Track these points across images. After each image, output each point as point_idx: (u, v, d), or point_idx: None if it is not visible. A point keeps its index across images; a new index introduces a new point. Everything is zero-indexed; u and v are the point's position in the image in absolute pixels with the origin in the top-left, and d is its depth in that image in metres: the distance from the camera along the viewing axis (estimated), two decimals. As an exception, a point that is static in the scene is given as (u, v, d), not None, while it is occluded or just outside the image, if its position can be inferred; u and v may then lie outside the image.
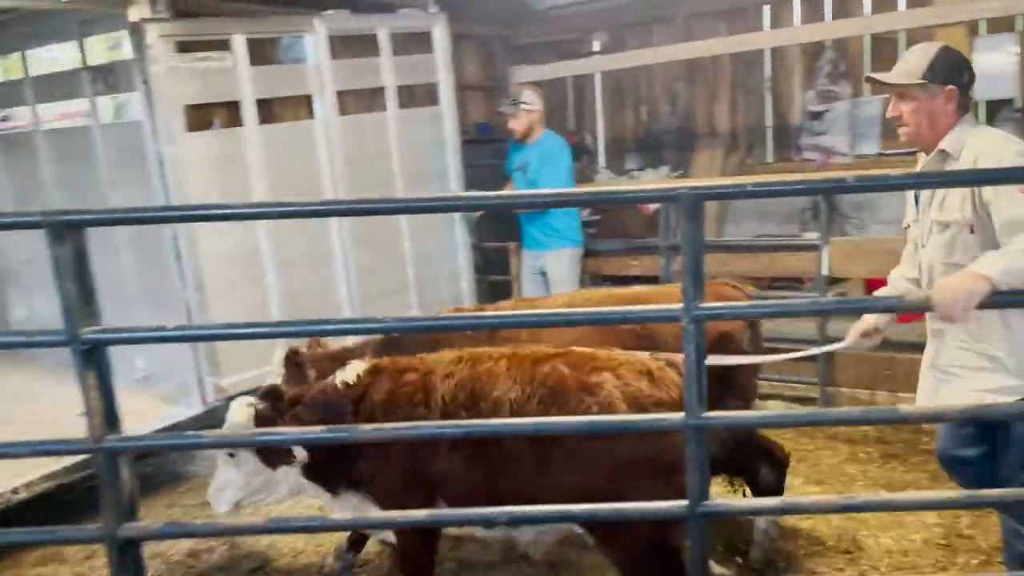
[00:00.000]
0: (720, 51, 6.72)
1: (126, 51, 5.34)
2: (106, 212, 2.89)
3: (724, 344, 3.45)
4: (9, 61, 6.74)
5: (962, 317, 2.19)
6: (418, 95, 6.14)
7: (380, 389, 3.06)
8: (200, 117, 5.21)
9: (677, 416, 2.09)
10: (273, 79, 5.28)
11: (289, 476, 3.15)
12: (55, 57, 6.95)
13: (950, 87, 2.75)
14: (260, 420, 3.06)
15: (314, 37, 5.31)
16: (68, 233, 2.09)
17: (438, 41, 5.96)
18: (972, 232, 2.68)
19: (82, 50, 5.41)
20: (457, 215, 6.11)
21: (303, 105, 5.55)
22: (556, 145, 5.73)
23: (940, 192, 2.79)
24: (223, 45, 4.95)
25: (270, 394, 3.09)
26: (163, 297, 5.01)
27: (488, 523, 2.79)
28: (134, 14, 4.65)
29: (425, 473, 3.00)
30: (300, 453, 3.12)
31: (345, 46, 5.61)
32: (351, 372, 3.12)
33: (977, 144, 2.71)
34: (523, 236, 5.94)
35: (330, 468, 3.13)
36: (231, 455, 3.19)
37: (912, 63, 2.81)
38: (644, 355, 3.01)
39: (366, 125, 5.68)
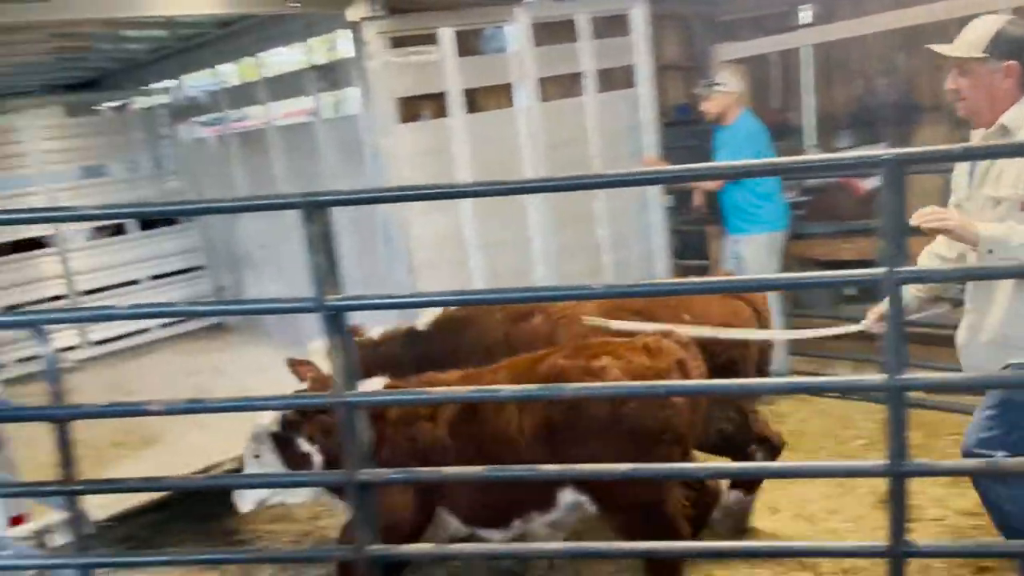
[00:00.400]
0: (945, 16, 6.15)
1: (342, 50, 5.75)
2: (350, 193, 3.35)
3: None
4: (243, 65, 7.45)
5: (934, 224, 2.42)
6: (616, 78, 6.11)
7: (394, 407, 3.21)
8: (410, 109, 5.51)
9: (879, 377, 2.14)
10: (478, 69, 5.47)
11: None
12: (281, 59, 7.58)
13: (1012, 63, 2.66)
14: (287, 424, 3.30)
15: (516, 26, 5.43)
16: (318, 212, 2.41)
17: (636, 22, 5.90)
18: (1023, 209, 2.59)
19: (309, 51, 5.86)
20: (654, 198, 6.05)
21: (504, 93, 5.71)
22: (749, 128, 5.56)
23: (997, 167, 2.67)
24: (431, 39, 5.19)
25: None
26: (377, 279, 5.34)
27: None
28: (353, 14, 4.98)
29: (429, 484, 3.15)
30: (316, 458, 3.31)
31: (545, 33, 5.69)
32: (369, 387, 3.21)
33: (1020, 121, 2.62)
34: (724, 218, 5.83)
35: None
36: (256, 456, 3.38)
37: (974, 36, 2.70)
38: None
39: (565, 110, 5.74)
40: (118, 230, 7.53)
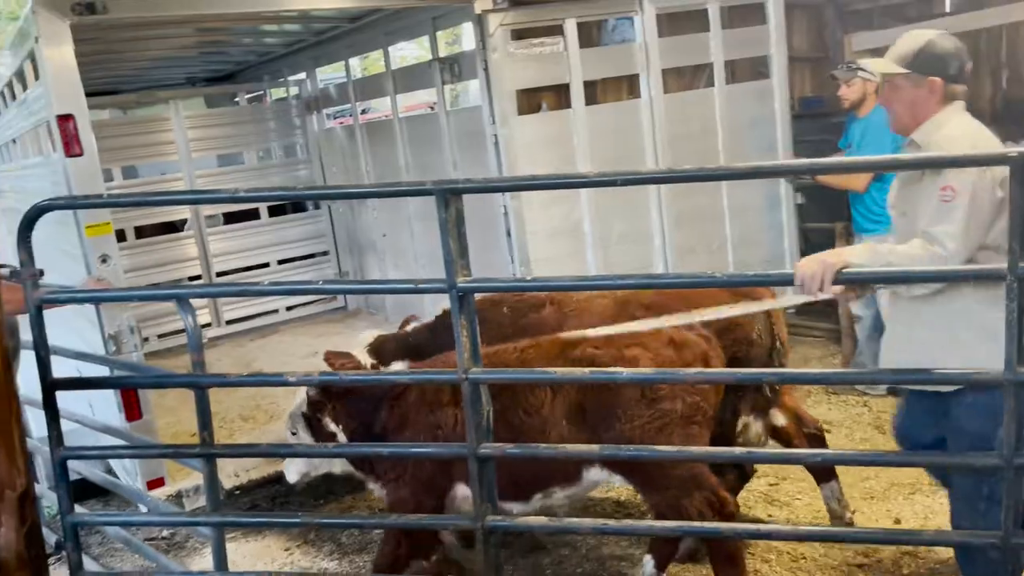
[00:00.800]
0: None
1: (465, 43, 5.85)
2: (481, 181, 3.60)
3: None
4: (369, 59, 7.67)
5: (818, 289, 2.36)
6: (741, 69, 5.96)
7: (415, 390, 3.37)
8: (531, 101, 5.56)
9: (996, 372, 2.19)
10: (601, 61, 5.47)
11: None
12: (407, 53, 7.78)
13: (933, 79, 2.72)
14: (311, 404, 3.51)
15: (641, 16, 5.37)
16: (452, 199, 2.59)
17: (773, 11, 5.67)
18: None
19: (434, 43, 5.99)
20: (783, 194, 5.86)
21: (625, 85, 5.67)
22: (884, 121, 5.21)
23: (923, 182, 2.71)
24: (553, 30, 5.21)
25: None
26: (495, 270, 5.41)
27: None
28: (478, 6, 5.06)
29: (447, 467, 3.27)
30: (341, 437, 3.52)
31: (672, 23, 5.62)
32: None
33: (945, 139, 2.68)
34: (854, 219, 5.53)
35: (361, 459, 3.56)
36: (293, 432, 3.60)
37: (899, 51, 2.79)
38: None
39: (690, 102, 5.65)
40: (249, 215, 7.91)
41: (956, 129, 2.72)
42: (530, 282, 3.05)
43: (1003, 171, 2.43)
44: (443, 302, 4.19)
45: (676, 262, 5.52)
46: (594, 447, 3.00)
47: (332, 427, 3.55)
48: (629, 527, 3.61)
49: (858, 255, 2.49)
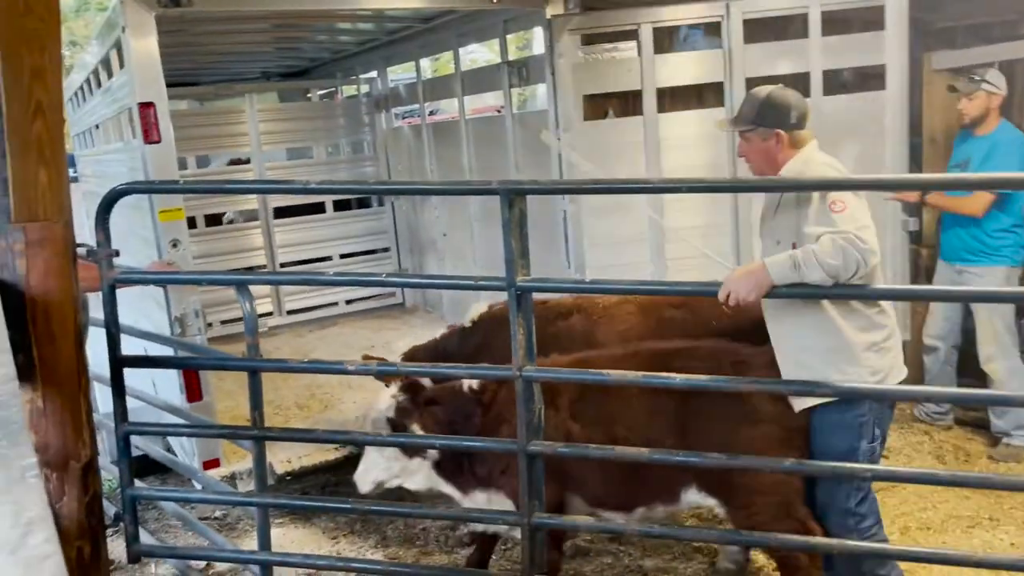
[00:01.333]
0: None
1: (536, 47, 5.86)
2: (545, 183, 3.69)
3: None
4: (440, 61, 7.76)
5: (745, 298, 2.65)
6: (851, 80, 5.48)
7: (506, 396, 3.26)
8: (596, 107, 5.53)
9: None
10: (677, 67, 5.27)
11: (423, 468, 3.47)
12: (476, 55, 7.84)
13: (778, 132, 3.00)
14: (399, 411, 3.44)
15: (727, 22, 5.11)
16: (516, 200, 2.68)
17: (892, 17, 5.11)
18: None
19: (503, 46, 6.03)
20: (892, 218, 5.21)
21: (701, 94, 5.48)
22: (1012, 139, 4.70)
23: (787, 206, 2.98)
24: (627, 35, 5.17)
25: (410, 388, 3.46)
26: (551, 275, 5.41)
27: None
28: (549, 10, 5.08)
29: (559, 467, 3.17)
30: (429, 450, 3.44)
31: (763, 29, 5.25)
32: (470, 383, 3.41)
33: (813, 174, 2.98)
34: (942, 244, 5.02)
35: (456, 468, 3.46)
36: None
37: (744, 109, 3.11)
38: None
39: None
40: (310, 210, 8.05)
41: (819, 167, 3.01)
42: (588, 284, 3.19)
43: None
44: (479, 307, 4.37)
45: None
46: (645, 451, 2.92)
47: (419, 433, 3.47)
48: (674, 532, 3.57)
49: (778, 266, 2.67)
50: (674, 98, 5.57)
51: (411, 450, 3.47)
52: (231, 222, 7.80)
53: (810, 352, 2.90)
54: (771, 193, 3.12)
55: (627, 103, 5.43)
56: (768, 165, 3.07)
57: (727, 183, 4.66)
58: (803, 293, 2.74)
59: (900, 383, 3.02)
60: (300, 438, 4.16)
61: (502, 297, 2.97)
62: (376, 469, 3.52)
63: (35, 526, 0.97)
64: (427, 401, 3.48)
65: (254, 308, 3.21)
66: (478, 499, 3.47)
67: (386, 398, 3.55)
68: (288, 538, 4.49)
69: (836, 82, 5.35)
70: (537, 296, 3.12)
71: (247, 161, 7.90)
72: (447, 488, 3.54)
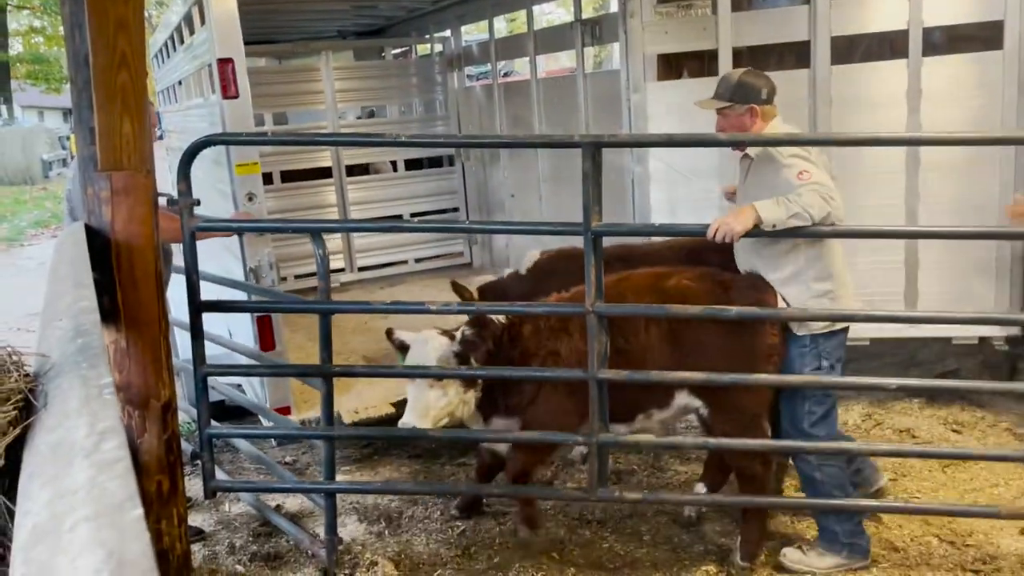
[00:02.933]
0: None
1: (612, 5, 5.76)
2: (625, 137, 4.02)
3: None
4: (515, 22, 7.70)
5: (734, 232, 3.09)
6: (959, 39, 4.89)
7: (531, 331, 3.62)
8: (672, 67, 5.43)
9: None
10: (757, 25, 5.03)
11: (472, 401, 3.65)
12: (550, 15, 7.75)
13: (752, 105, 3.45)
14: (468, 344, 3.57)
15: None
16: (594, 152, 3.04)
17: None
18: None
19: (577, 4, 5.96)
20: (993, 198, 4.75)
21: (784, 54, 5.27)
22: None
23: (758, 173, 3.47)
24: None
25: (479, 323, 3.60)
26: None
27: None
28: (626, -32, 4.98)
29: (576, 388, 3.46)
30: (481, 381, 3.64)
31: None
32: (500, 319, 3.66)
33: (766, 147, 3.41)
34: None
35: (490, 396, 3.67)
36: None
37: (721, 88, 3.54)
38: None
39: (869, 75, 4.84)
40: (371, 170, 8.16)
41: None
42: (658, 227, 3.54)
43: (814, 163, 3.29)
44: (533, 255, 4.58)
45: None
46: (697, 375, 3.36)
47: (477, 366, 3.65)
48: (728, 442, 3.60)
49: (768, 208, 3.10)
50: (753, 58, 5.40)
51: (470, 382, 3.62)
52: (377, 172, 8.04)
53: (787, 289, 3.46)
54: (741, 165, 3.63)
55: (705, 63, 5.29)
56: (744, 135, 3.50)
57: (810, 138, 4.44)
58: (775, 233, 3.17)
59: None
60: (376, 373, 4.29)
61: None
62: (437, 405, 3.60)
63: (108, 434, 1.05)
64: (483, 337, 3.61)
65: (327, 254, 3.34)
66: (498, 426, 3.78)
67: (435, 337, 3.66)
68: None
69: (936, 41, 4.95)
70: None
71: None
72: (476, 418, 3.75)
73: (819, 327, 3.44)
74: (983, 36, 4.67)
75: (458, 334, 3.63)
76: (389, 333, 3.82)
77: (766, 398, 3.58)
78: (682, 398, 3.61)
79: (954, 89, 4.66)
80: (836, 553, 3.57)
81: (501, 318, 3.66)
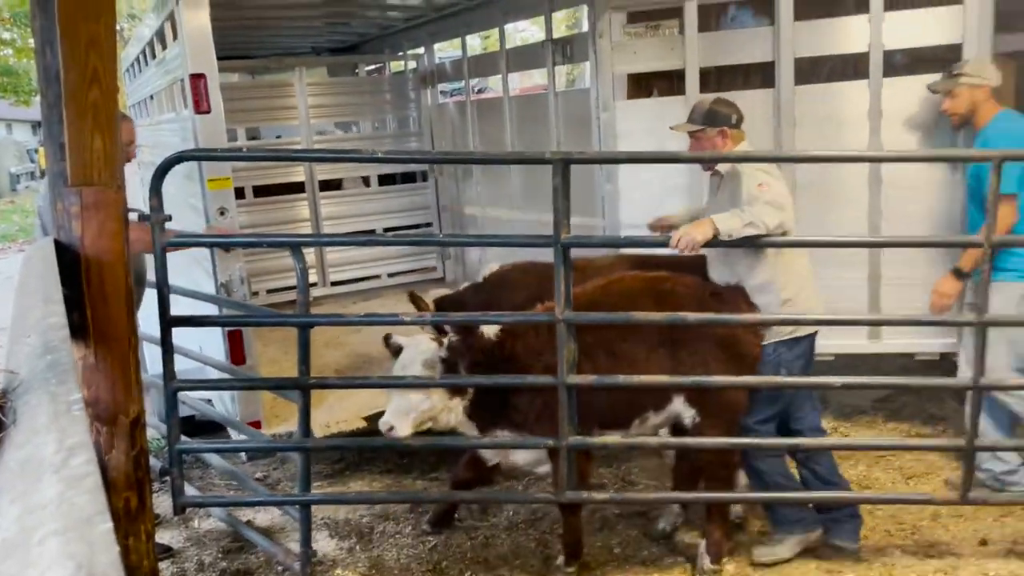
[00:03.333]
0: None
1: (584, 25, 5.86)
2: (592, 154, 4.08)
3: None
4: (489, 39, 7.78)
5: (695, 242, 3.27)
6: (919, 61, 4.93)
7: (523, 345, 3.66)
8: (642, 86, 5.52)
9: None
10: (723, 46, 5.10)
11: (458, 409, 3.67)
12: (523, 33, 7.84)
13: (723, 128, 3.71)
14: (454, 351, 3.62)
15: None
16: (564, 168, 3.18)
17: None
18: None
19: (548, 24, 6.04)
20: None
21: (749, 74, 5.36)
22: (1002, 132, 4.11)
23: (727, 187, 3.71)
24: (671, 14, 5.12)
25: (464, 330, 3.66)
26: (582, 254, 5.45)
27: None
28: (595, -12, 5.07)
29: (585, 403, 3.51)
30: (470, 389, 3.67)
31: (815, 5, 4.92)
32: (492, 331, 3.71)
33: (745, 165, 3.64)
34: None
35: (487, 407, 3.69)
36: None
37: (695, 114, 3.81)
38: None
39: (831, 96, 4.89)
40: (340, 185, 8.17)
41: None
42: (624, 239, 3.71)
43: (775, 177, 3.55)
44: (491, 267, 4.78)
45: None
46: (665, 377, 3.57)
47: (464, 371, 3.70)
48: (696, 442, 3.78)
49: (724, 220, 3.29)
50: (720, 78, 5.50)
51: (456, 390, 3.64)
52: (342, 188, 8.04)
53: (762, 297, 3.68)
54: (711, 182, 3.90)
55: (674, 83, 5.38)
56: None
57: (768, 155, 4.54)
58: (732, 243, 3.35)
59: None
60: (351, 385, 4.31)
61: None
62: (416, 413, 3.60)
63: (77, 450, 1.07)
64: (470, 344, 3.66)
65: (306, 268, 3.37)
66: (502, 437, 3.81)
67: (425, 341, 3.69)
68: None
69: (897, 63, 5.12)
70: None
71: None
72: (468, 427, 3.75)
73: (780, 335, 3.66)
74: (944, 58, 4.80)
75: (446, 340, 3.66)
76: (387, 338, 3.85)
77: (745, 402, 3.75)
78: (677, 403, 3.74)
79: (915, 109, 4.78)
80: (792, 533, 3.83)
81: (494, 331, 3.70)
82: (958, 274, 4.16)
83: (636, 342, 3.65)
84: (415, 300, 4.26)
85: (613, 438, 3.75)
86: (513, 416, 3.70)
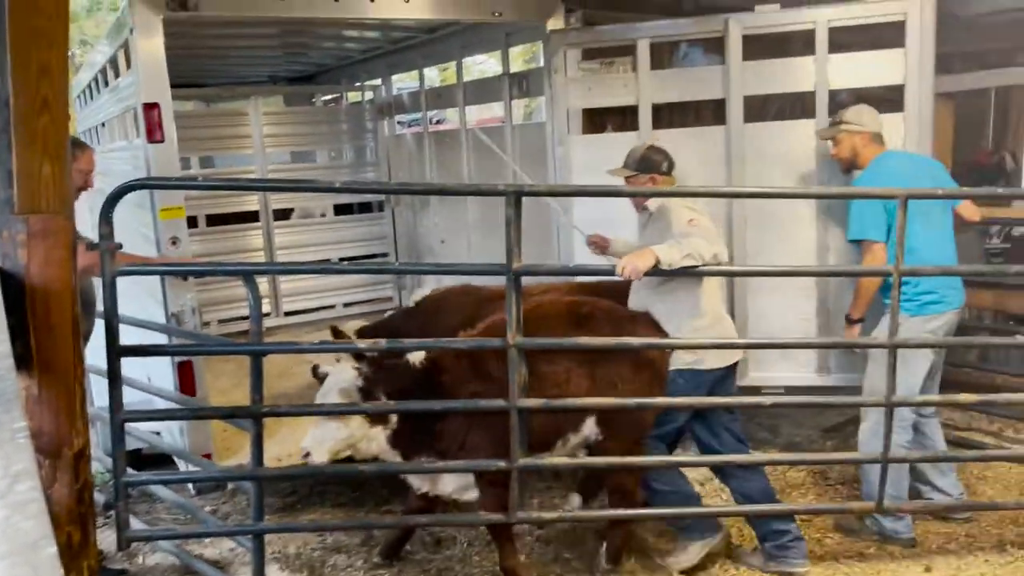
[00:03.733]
0: None
1: (541, 60, 5.96)
2: (544, 187, 4.13)
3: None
4: (448, 71, 7.87)
5: (638, 271, 3.38)
6: (854, 99, 4.93)
7: (451, 375, 3.74)
8: (601, 121, 5.62)
9: None
10: (673, 84, 5.20)
11: (379, 437, 3.66)
12: (480, 66, 7.94)
13: (653, 175, 4.03)
14: (369, 380, 3.64)
15: (726, 38, 4.91)
16: (516, 200, 3.27)
17: (914, 31, 4.60)
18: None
19: (505, 58, 6.13)
20: None
21: (702, 110, 5.47)
22: (891, 170, 4.23)
23: (659, 222, 3.92)
24: (626, 50, 5.24)
25: (373, 359, 3.70)
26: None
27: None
28: (550, 24, 5.17)
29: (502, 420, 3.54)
30: (392, 418, 3.65)
31: (763, 46, 5.06)
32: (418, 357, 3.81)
33: (671, 206, 3.89)
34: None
35: (411, 435, 3.70)
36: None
37: (629, 160, 4.11)
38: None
39: (780, 134, 5.02)
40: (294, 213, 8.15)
41: (677, 201, 3.92)
42: (572, 267, 3.77)
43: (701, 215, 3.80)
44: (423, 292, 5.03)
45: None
46: (609, 400, 3.75)
47: (383, 399, 3.69)
48: (648, 460, 3.92)
49: (664, 251, 3.43)
50: (672, 114, 5.63)
51: (376, 418, 3.64)
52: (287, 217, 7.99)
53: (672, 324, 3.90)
54: (640, 217, 4.16)
55: (626, 118, 5.49)
56: (643, 200, 4.08)
57: (711, 190, 4.74)
58: (672, 272, 3.50)
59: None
60: (303, 413, 4.27)
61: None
62: (333, 440, 3.61)
63: (22, 476, 1.06)
64: (390, 368, 3.71)
65: (259, 296, 3.34)
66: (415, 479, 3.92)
67: (347, 369, 3.68)
68: (276, 535, 4.56)
69: (846, 102, 5.22)
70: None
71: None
72: (392, 455, 3.73)
73: (681, 363, 3.89)
74: (889, 98, 4.98)
75: (353, 369, 3.67)
76: (314, 368, 3.86)
77: (652, 422, 3.95)
78: (588, 426, 3.89)
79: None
80: (693, 539, 4.05)
81: (419, 358, 3.75)
82: (850, 321, 4.35)
83: (557, 364, 3.76)
84: (336, 333, 4.32)
85: (562, 459, 3.87)
86: (438, 444, 3.71)
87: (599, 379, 3.79)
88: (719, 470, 4.21)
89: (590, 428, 3.89)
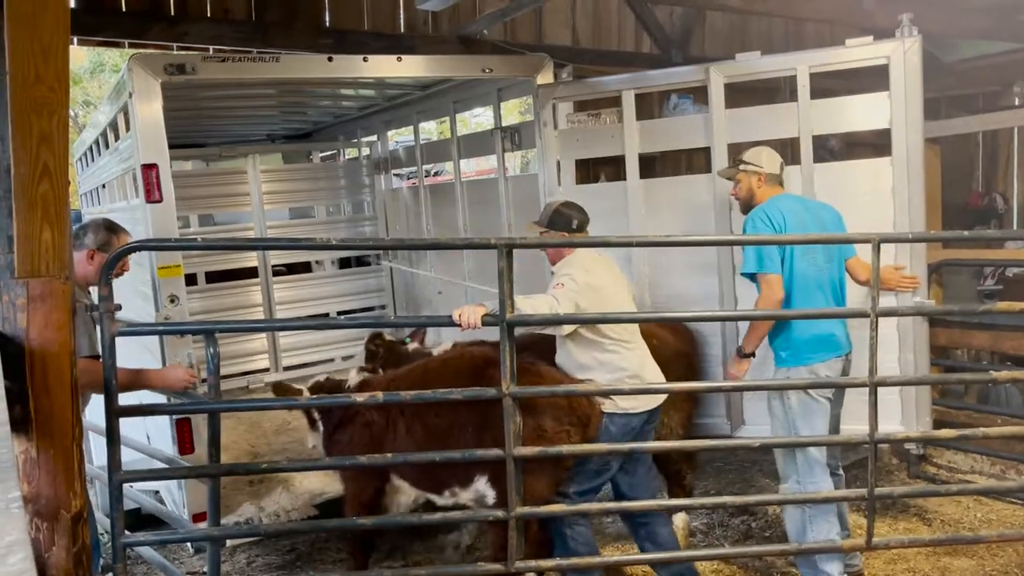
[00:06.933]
0: None
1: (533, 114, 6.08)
2: (534, 240, 4.05)
3: None
4: (444, 124, 8.00)
5: (474, 322, 3.42)
6: (858, 146, 5.28)
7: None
8: (589, 171, 5.71)
9: None
10: (660, 134, 5.28)
11: (316, 440, 4.43)
12: (475, 120, 8.08)
13: (563, 232, 4.03)
14: (312, 389, 4.40)
15: (708, 86, 4.92)
16: (508, 252, 3.36)
17: (898, 75, 4.53)
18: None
19: (497, 113, 6.24)
20: None
21: (692, 159, 5.55)
22: (758, 212, 4.24)
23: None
24: (614, 102, 5.34)
25: (318, 387, 4.47)
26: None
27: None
28: (539, 79, 5.28)
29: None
30: (320, 427, 4.39)
31: (749, 93, 5.16)
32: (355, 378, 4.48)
33: (573, 261, 3.98)
34: None
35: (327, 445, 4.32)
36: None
37: (543, 215, 4.16)
38: None
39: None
40: (301, 268, 8.23)
41: (582, 260, 3.99)
42: (564, 316, 3.67)
43: (586, 277, 3.85)
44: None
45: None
46: (567, 447, 3.76)
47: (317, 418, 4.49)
48: (636, 505, 4.04)
49: (525, 302, 3.52)
50: (663, 163, 5.73)
51: (312, 424, 4.52)
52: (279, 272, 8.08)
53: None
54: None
55: (617, 168, 5.56)
56: (556, 254, 4.10)
57: (686, 239, 4.65)
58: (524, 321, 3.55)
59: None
60: (250, 471, 4.39)
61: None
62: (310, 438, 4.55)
63: (14, 547, 1.08)
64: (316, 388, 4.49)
65: (218, 352, 3.39)
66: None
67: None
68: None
69: (834, 147, 5.27)
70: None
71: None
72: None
73: (611, 408, 3.91)
74: (876, 143, 4.98)
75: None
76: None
77: (547, 492, 3.86)
78: (480, 483, 3.96)
79: (848, 192, 4.97)
80: None
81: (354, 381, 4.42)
82: (741, 354, 4.24)
83: (449, 414, 3.93)
84: (284, 390, 4.50)
85: (560, 506, 3.83)
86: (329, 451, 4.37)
87: (487, 438, 3.74)
88: (628, 517, 4.20)
89: (482, 487, 3.96)
